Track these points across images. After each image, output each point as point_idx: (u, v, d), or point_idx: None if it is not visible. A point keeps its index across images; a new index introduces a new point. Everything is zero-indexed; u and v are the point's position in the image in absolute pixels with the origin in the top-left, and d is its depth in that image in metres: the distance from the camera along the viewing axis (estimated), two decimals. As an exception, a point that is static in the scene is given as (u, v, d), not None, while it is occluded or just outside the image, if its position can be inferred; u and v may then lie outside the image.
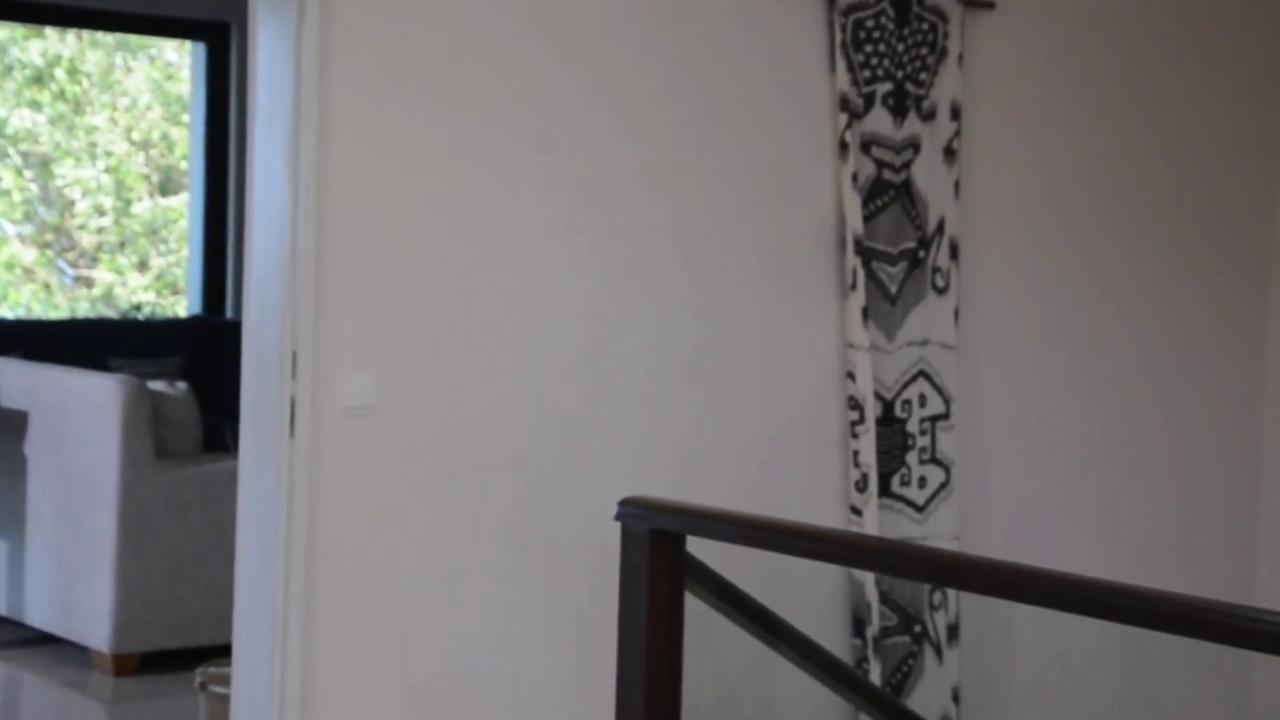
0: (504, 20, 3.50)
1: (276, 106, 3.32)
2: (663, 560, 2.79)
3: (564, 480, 3.59)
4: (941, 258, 4.04)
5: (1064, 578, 2.38)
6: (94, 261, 9.23)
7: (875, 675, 3.90)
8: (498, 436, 3.52)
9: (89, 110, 9.11)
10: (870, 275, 3.96)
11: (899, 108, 3.98)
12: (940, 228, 4.04)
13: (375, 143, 3.36)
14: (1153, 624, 2.28)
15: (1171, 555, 4.55)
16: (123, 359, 6.88)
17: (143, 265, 9.25)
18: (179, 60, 9.02)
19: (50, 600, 5.44)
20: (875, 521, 3.91)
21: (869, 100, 3.94)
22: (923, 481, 4.05)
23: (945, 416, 4.07)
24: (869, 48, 3.92)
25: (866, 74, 3.93)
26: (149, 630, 5.23)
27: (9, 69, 8.76)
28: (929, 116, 4.02)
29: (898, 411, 4.01)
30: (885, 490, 3.99)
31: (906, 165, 4.00)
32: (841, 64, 3.89)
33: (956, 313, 4.07)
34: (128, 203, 9.21)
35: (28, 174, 8.94)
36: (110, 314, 8.95)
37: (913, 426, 4.03)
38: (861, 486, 3.91)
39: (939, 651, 4.06)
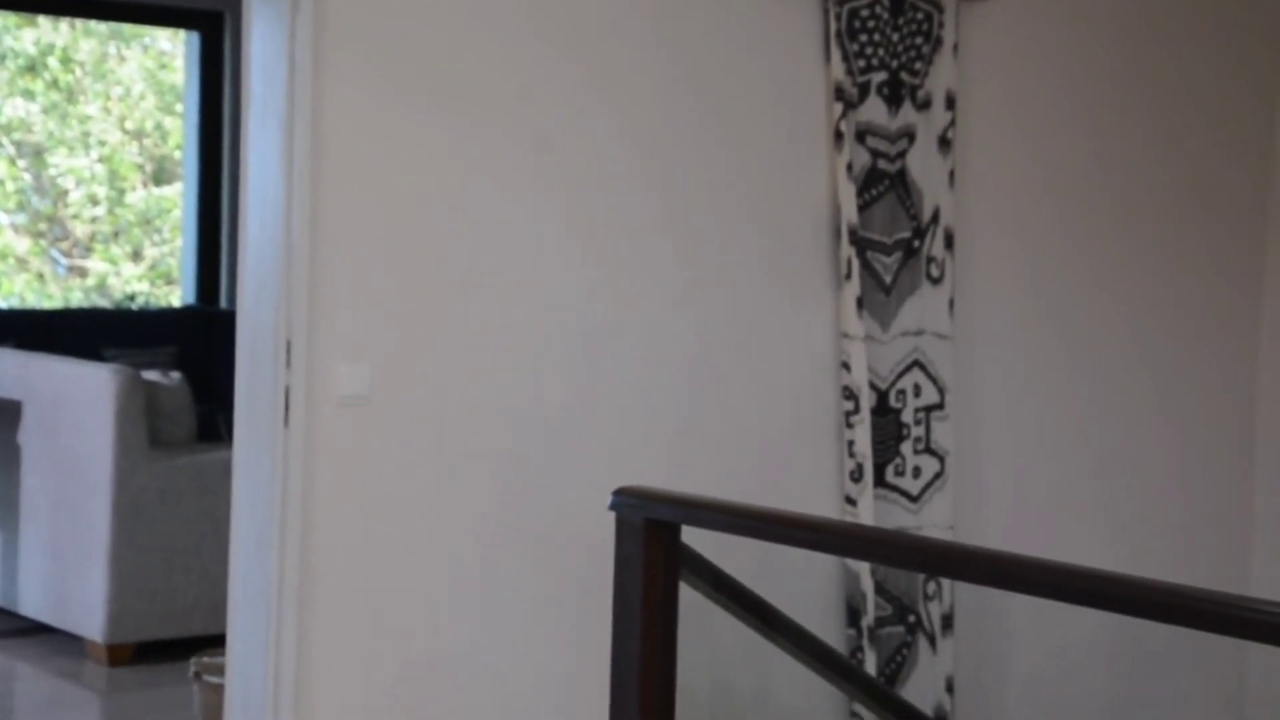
0: (497, 13, 3.49)
1: (271, 96, 3.31)
2: (657, 550, 2.79)
3: (559, 470, 3.59)
4: (936, 248, 4.04)
5: (1058, 567, 2.38)
6: (88, 251, 9.22)
7: (870, 665, 3.90)
8: (493, 426, 3.51)
9: (82, 99, 9.10)
10: (865, 265, 3.95)
11: (894, 97, 3.97)
12: (935, 218, 4.04)
13: (370, 132, 3.36)
14: (1147, 613, 2.29)
15: (1166, 545, 4.56)
16: (117, 349, 6.88)
17: (136, 255, 9.24)
18: (172, 49, 9.00)
19: (44, 590, 5.44)
20: (870, 512, 3.91)
21: (864, 90, 3.93)
22: (917, 471, 4.05)
23: (940, 406, 4.07)
24: (864, 37, 3.92)
25: (861, 64, 3.92)
26: (143, 620, 5.23)
27: (2, 58, 8.74)
28: (924, 106, 4.01)
29: (892, 401, 4.02)
30: (880, 480, 3.99)
31: (901, 155, 4.00)
32: (836, 53, 3.88)
33: (951, 303, 4.07)
34: (121, 192, 9.20)
35: (21, 163, 8.92)
36: (104, 304, 8.94)
37: (907, 416, 4.03)
38: (856, 477, 3.92)
39: (933, 641, 4.06)
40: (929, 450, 4.06)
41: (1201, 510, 4.70)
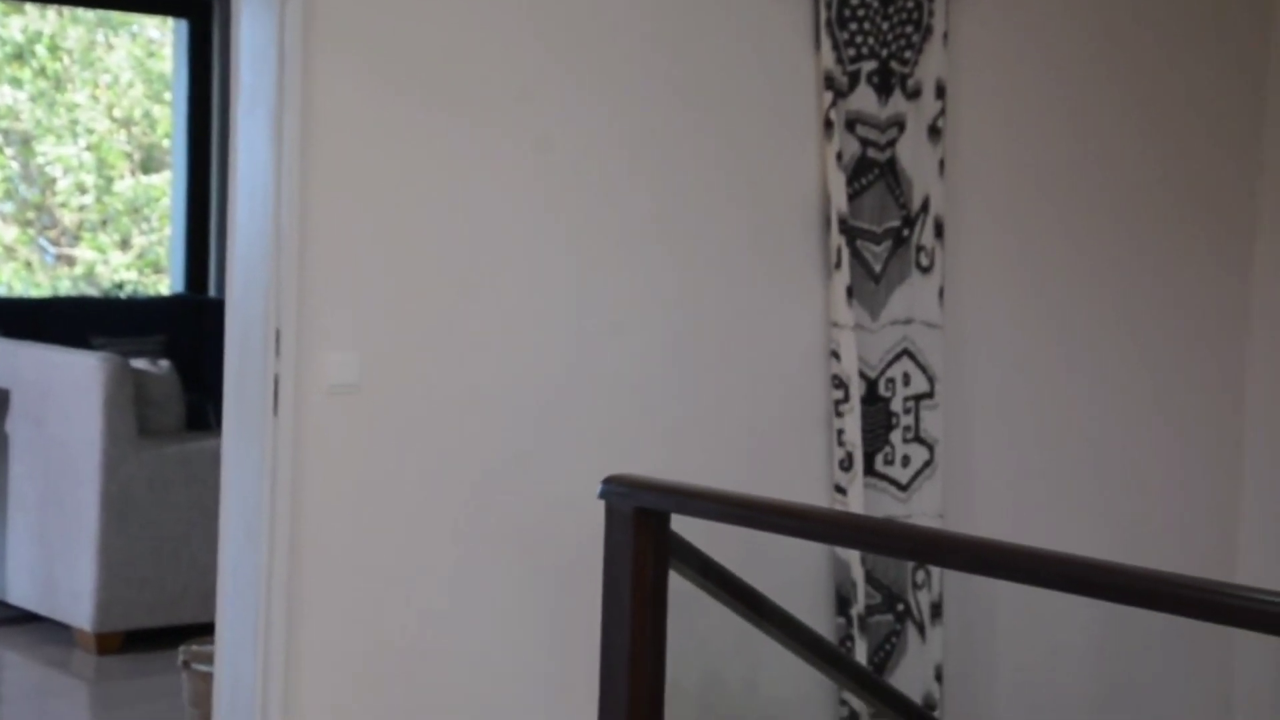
0: (486, 3, 3.49)
1: (260, 84, 3.30)
2: (647, 539, 2.79)
3: (548, 459, 3.58)
4: (926, 236, 4.05)
5: (1046, 555, 2.39)
6: (76, 240, 9.20)
7: (860, 654, 3.91)
8: (482, 415, 3.51)
9: (70, 87, 9.07)
10: (855, 254, 3.96)
11: (884, 86, 3.97)
12: (925, 206, 4.04)
13: (360, 120, 3.35)
14: (1134, 600, 2.29)
15: (1154, 533, 4.57)
16: (105, 337, 6.86)
17: (125, 243, 9.22)
18: (161, 37, 8.98)
19: (32, 579, 5.43)
20: (860, 500, 3.92)
21: (854, 78, 3.93)
22: (906, 460, 4.06)
23: (929, 395, 4.07)
24: (854, 25, 3.92)
25: (851, 52, 3.92)
26: (132, 608, 5.23)
27: (-11, 45, 8.71)
28: (914, 95, 4.01)
29: (881, 390, 4.02)
30: (869, 469, 4.00)
31: (891, 144, 4.00)
32: (826, 42, 3.88)
33: (941, 291, 4.08)
34: (109, 180, 9.17)
35: (8, 151, 8.89)
36: (92, 293, 8.92)
37: (896, 405, 4.03)
38: (846, 465, 3.92)
39: (922, 630, 4.07)
40: (918, 439, 4.06)
41: (1190, 499, 4.71)
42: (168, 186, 8.60)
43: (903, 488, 4.05)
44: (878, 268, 4.00)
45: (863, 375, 3.97)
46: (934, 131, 4.05)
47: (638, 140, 3.70)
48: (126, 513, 5.20)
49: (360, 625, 3.39)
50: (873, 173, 3.98)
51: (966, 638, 4.18)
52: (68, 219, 9.18)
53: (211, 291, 7.73)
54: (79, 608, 5.23)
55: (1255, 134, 4.76)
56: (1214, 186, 4.73)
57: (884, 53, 3.96)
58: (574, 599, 3.44)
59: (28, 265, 9.05)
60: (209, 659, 3.84)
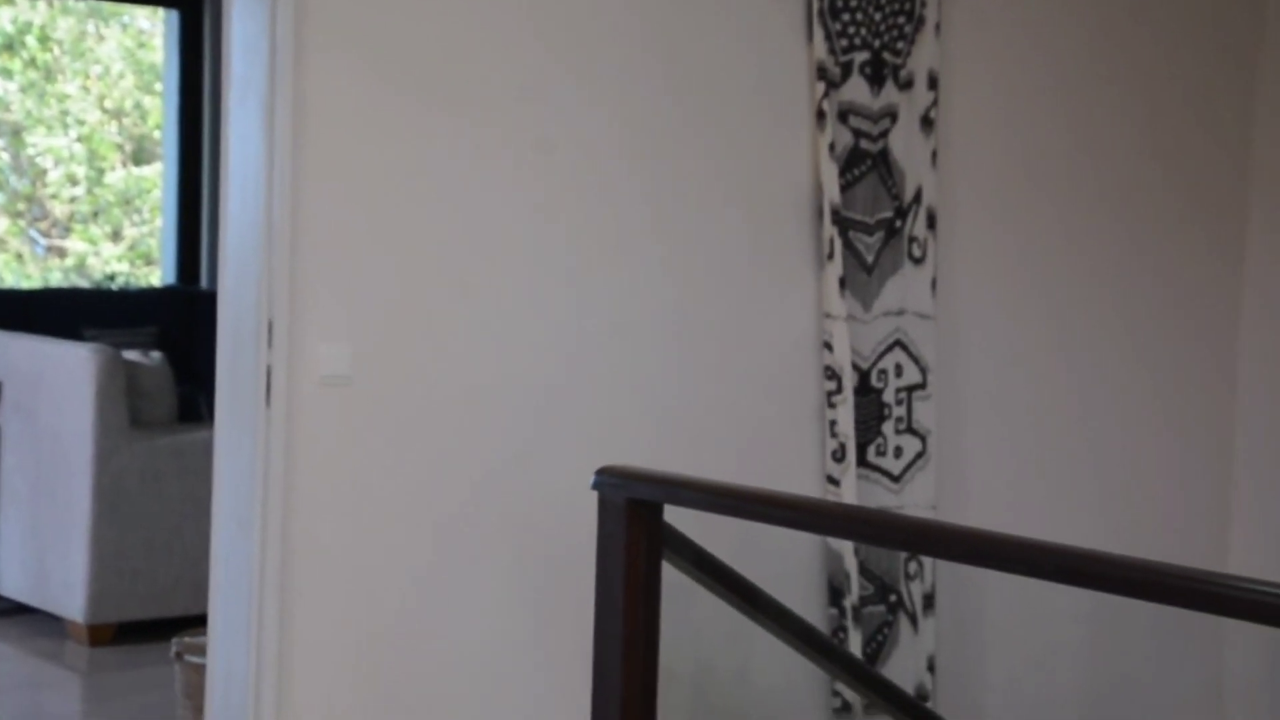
0: (480, -12, 3.48)
1: (252, 75, 3.30)
2: (640, 529, 2.79)
3: (540, 450, 3.58)
4: (918, 227, 4.05)
5: (1038, 545, 2.39)
6: (67, 231, 9.18)
7: (854, 645, 3.91)
8: (475, 406, 3.51)
9: (60, 78, 9.05)
10: (847, 245, 3.96)
11: (876, 77, 3.97)
12: (917, 197, 4.05)
13: (352, 112, 3.35)
14: (1127, 591, 2.30)
15: (1146, 524, 4.58)
16: (97, 329, 6.85)
17: (116, 235, 9.20)
18: (151, 28, 8.96)
19: (25, 570, 5.42)
20: (853, 491, 3.92)
21: (846, 69, 3.93)
22: (899, 451, 4.06)
23: (922, 386, 4.08)
24: (846, 16, 3.92)
25: (844, 43, 3.92)
26: (124, 600, 5.22)
27: (-21, 36, 8.69)
28: (906, 86, 4.01)
29: (874, 381, 4.02)
30: (861, 460, 4.00)
31: (883, 135, 4.00)
32: (819, 33, 3.88)
33: (933, 282, 4.08)
34: (100, 172, 9.16)
35: (-1, 142, 8.87)
36: (83, 284, 8.90)
37: (889, 396, 4.04)
38: (839, 456, 3.92)
39: (914, 621, 4.08)
40: (911, 430, 4.07)
41: (1182, 489, 4.72)
42: (159, 178, 8.59)
43: (895, 479, 4.05)
44: (870, 259, 4.00)
45: (855, 366, 3.98)
46: (926, 122, 4.05)
47: (630, 133, 3.70)
48: (118, 504, 5.20)
49: (353, 616, 3.39)
50: (865, 164, 3.98)
51: (959, 628, 4.18)
52: (59, 210, 9.16)
53: (203, 283, 7.72)
54: (71, 599, 5.23)
55: (1247, 126, 4.76)
56: (1206, 178, 4.73)
57: (876, 43, 3.96)
58: (566, 590, 3.44)
59: (19, 257, 9.03)
60: (202, 651, 3.84)
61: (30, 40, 8.90)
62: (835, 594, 3.93)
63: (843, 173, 3.94)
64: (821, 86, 3.88)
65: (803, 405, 3.95)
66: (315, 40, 3.27)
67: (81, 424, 5.19)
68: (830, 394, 3.93)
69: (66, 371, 5.28)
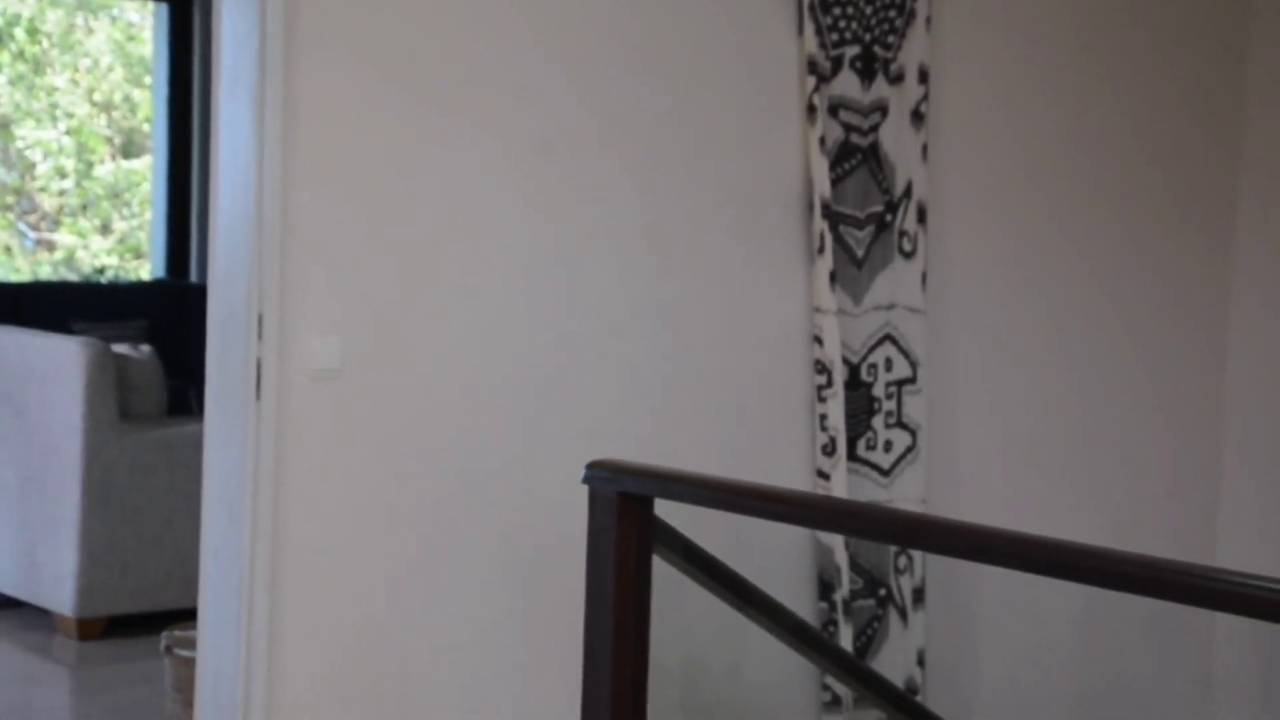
0: (471, -19, 3.48)
1: (241, 67, 3.29)
2: (630, 523, 2.79)
3: (531, 443, 3.58)
4: (909, 222, 4.05)
5: (1028, 539, 2.39)
6: (55, 224, 9.16)
7: (845, 639, 3.92)
8: (465, 400, 3.51)
9: (49, 71, 9.02)
10: (837, 239, 3.96)
11: (867, 71, 3.97)
12: (908, 191, 4.05)
13: (342, 104, 3.34)
14: (1117, 585, 2.30)
15: (1136, 517, 4.59)
16: (86, 322, 6.84)
17: (105, 228, 9.18)
18: (141, 21, 8.93)
19: (13, 564, 5.41)
20: (843, 485, 3.92)
21: (837, 63, 3.93)
22: (888, 445, 4.06)
23: (912, 380, 4.08)
24: (837, 10, 3.91)
25: (834, 37, 3.92)
26: (114, 594, 5.22)
27: (-32, 29, 8.66)
28: (897, 80, 4.01)
29: (864, 375, 4.03)
30: (851, 454, 4.00)
31: (874, 129, 4.00)
32: (809, 26, 3.88)
33: (923, 276, 4.08)
34: (89, 165, 9.14)
35: (-12, 135, 8.85)
36: (72, 277, 8.88)
37: (879, 390, 4.04)
38: (829, 450, 3.93)
39: (904, 615, 4.08)
40: (900, 424, 4.07)
41: (1171, 483, 4.73)
42: (148, 171, 8.57)
43: (885, 473, 4.06)
44: (860, 253, 4.00)
45: (845, 360, 3.98)
46: (917, 116, 4.05)
47: (621, 127, 3.70)
48: (108, 498, 5.19)
49: (342, 610, 3.39)
50: (855, 158, 3.98)
51: (949, 622, 4.19)
52: (48, 204, 9.14)
53: (193, 276, 7.71)
54: (60, 593, 5.22)
55: (1236, 119, 4.77)
56: (1196, 172, 4.74)
57: (867, 37, 3.96)
58: (557, 583, 3.44)
59: (7, 250, 9.01)
60: (191, 644, 3.83)
61: (19, 33, 8.87)
62: (825, 588, 3.94)
63: (833, 167, 3.94)
64: (812, 80, 3.88)
65: (793, 399, 3.95)
66: (305, 32, 3.27)
67: (71, 417, 5.18)
68: (820, 388, 3.93)
69: (56, 365, 5.27)
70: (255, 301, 3.26)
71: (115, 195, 9.21)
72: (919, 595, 4.10)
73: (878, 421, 4.04)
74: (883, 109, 4.00)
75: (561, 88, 3.61)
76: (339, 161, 3.35)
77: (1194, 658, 4.64)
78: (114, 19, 9.07)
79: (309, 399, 3.31)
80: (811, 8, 3.88)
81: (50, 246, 9.12)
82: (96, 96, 9.09)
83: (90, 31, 9.08)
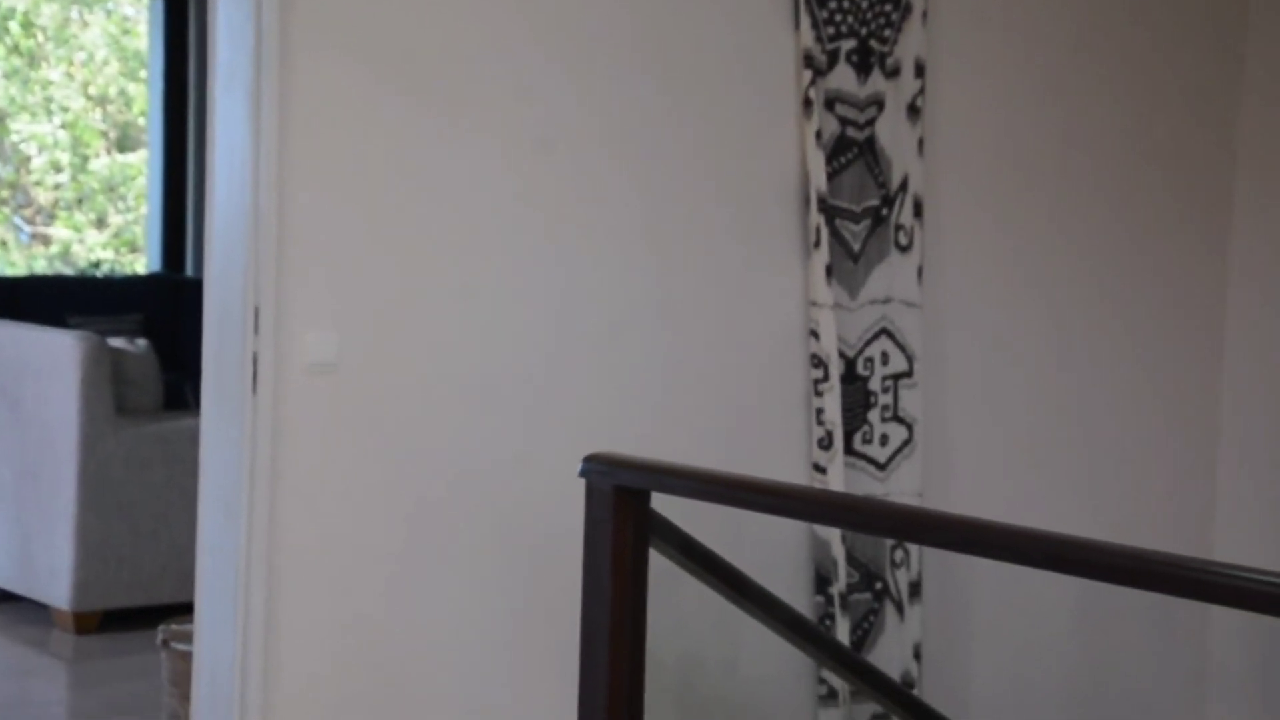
0: (467, -26, 3.47)
1: (237, 60, 3.29)
2: (627, 517, 2.80)
3: (527, 437, 3.59)
4: (905, 215, 4.05)
5: (1024, 532, 2.40)
6: (51, 218, 9.15)
7: (841, 633, 3.92)
8: (461, 394, 3.51)
9: (44, 65, 9.01)
10: (834, 233, 3.96)
11: (863, 65, 3.97)
12: (904, 185, 4.05)
13: (339, 98, 3.34)
14: (1112, 577, 2.31)
15: (1132, 511, 4.59)
16: (81, 316, 6.84)
17: (100, 222, 9.17)
18: (136, 14, 8.92)
19: (10, 558, 5.41)
20: (840, 479, 3.93)
21: (833, 57, 3.93)
22: (884, 439, 4.07)
23: (908, 374, 4.08)
24: (833, 4, 3.91)
25: (830, 30, 3.92)
26: (110, 588, 5.22)
27: (-37, 22, 8.64)
28: (893, 74, 4.01)
29: (860, 369, 4.03)
30: (847, 448, 4.00)
31: (870, 123, 4.00)
32: (805, 20, 3.88)
33: (920, 270, 4.08)
34: (85, 159, 9.13)
35: (-17, 129, 8.84)
36: (68, 272, 8.88)
37: (875, 384, 4.04)
38: (825, 444, 3.93)
39: (900, 609, 4.08)
40: (897, 418, 4.07)
41: (1168, 477, 4.74)
42: (144, 165, 8.56)
43: (881, 467, 4.06)
44: (856, 247, 4.01)
45: (841, 354, 3.98)
46: (913, 110, 4.05)
47: (616, 121, 3.70)
48: (104, 492, 5.19)
49: (339, 603, 3.39)
50: (852, 152, 3.98)
51: (945, 616, 4.19)
52: (43, 198, 9.13)
53: (188, 270, 7.70)
54: (57, 587, 5.22)
55: (1233, 113, 4.77)
56: (1193, 165, 4.74)
57: (863, 31, 3.96)
58: (553, 577, 3.44)
59: (2, 244, 9.01)
60: (188, 638, 3.83)
61: (14, 26, 8.86)
62: (822, 581, 3.94)
63: (829, 161, 3.94)
64: (808, 74, 3.88)
65: (789, 393, 3.95)
66: (301, 26, 3.26)
67: (67, 411, 5.18)
68: (817, 382, 3.93)
69: (51, 359, 5.26)
70: (251, 296, 3.26)
71: (110, 189, 9.20)
72: (915, 589, 4.10)
73: (874, 415, 4.04)
74: (879, 103, 4.00)
75: (556, 81, 3.61)
76: (335, 155, 3.35)
77: (1188, 651, 4.64)
78: (109, 12, 9.06)
79: (305, 394, 3.31)
80: (808, 1, 3.87)
81: (46, 240, 9.11)
82: (92, 90, 9.08)
83: (85, 25, 9.07)
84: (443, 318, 3.49)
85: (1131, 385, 4.63)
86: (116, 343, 5.41)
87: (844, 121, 3.96)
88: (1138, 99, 4.59)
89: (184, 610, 4.05)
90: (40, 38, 8.95)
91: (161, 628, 4.25)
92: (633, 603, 2.80)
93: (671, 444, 3.58)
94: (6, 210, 9.01)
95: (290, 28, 3.25)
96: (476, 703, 3.55)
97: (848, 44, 3.94)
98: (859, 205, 4.00)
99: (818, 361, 3.92)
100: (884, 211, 4.03)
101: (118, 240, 9.13)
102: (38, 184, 9.06)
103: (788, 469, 3.90)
